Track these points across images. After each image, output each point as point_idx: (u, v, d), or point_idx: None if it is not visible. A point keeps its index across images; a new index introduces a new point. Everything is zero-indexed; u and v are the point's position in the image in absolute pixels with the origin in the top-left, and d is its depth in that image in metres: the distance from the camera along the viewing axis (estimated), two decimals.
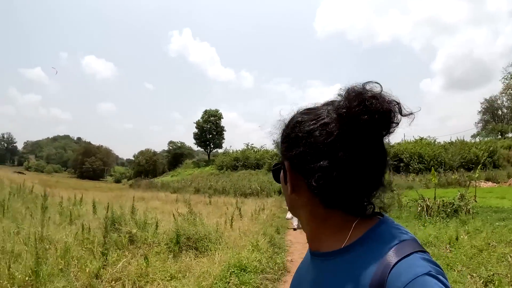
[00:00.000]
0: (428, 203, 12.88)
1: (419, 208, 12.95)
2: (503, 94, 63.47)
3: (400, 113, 0.92)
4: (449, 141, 46.18)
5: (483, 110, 73.60)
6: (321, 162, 0.91)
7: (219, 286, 5.78)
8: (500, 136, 56.57)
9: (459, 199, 12.94)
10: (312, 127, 0.95)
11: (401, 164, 38.63)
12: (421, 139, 46.62)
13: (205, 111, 77.00)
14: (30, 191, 19.78)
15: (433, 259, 0.85)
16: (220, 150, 76.16)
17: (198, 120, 76.44)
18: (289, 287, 1.20)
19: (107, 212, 9.44)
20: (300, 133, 0.97)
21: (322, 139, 0.92)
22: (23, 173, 66.57)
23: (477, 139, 53.63)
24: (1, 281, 5.05)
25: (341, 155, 0.90)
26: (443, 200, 12.97)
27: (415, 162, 38.47)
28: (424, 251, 0.86)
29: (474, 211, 12.34)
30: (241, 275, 6.36)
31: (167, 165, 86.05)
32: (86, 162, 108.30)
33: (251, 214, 14.28)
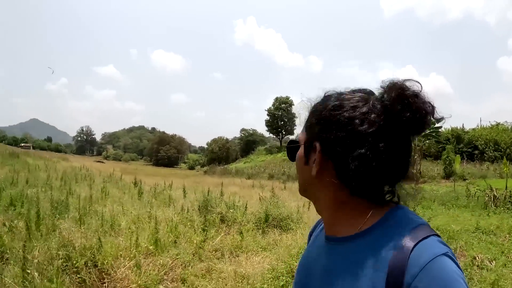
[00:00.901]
0: (495, 193, 13.01)
1: (486, 198, 13.08)
2: None
3: (433, 116, 0.96)
4: None
5: None
6: (361, 150, 0.93)
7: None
8: None
9: None
10: (353, 114, 0.96)
11: (476, 152, 36.58)
12: (498, 124, 42.66)
13: (276, 98, 78.13)
14: (119, 178, 21.69)
15: (446, 243, 0.90)
16: (291, 137, 75.22)
17: (270, 107, 77.60)
18: (296, 272, 1.23)
19: (207, 195, 10.80)
20: (339, 117, 0.97)
21: (363, 128, 0.94)
22: (102, 162, 70.55)
23: None
24: (131, 249, 6.35)
25: (382, 146, 0.93)
26: (510, 191, 13.05)
27: (491, 150, 35.83)
28: (439, 235, 0.91)
29: None
30: None
31: (239, 152, 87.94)
32: (161, 150, 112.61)
33: None
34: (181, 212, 9.56)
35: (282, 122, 77.64)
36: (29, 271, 4.94)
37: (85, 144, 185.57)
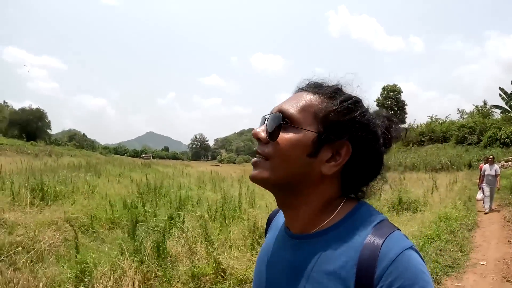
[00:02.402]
0: None
1: None
2: None
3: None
4: None
5: None
6: (377, 157, 1.01)
7: (434, 224, 9.04)
8: None
9: None
10: (376, 123, 1.05)
11: None
12: None
13: (383, 87, 74.29)
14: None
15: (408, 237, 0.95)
16: (403, 126, 71.28)
17: (378, 97, 73.29)
18: (256, 267, 1.17)
19: None
20: (371, 124, 1.01)
21: (380, 135, 1.03)
22: (219, 165, 72.98)
23: None
24: None
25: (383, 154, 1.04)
26: None
27: None
28: (400, 229, 0.95)
29: None
30: (445, 221, 9.49)
31: None
32: None
33: (446, 186, 16.81)
34: None
35: (392, 112, 73.31)
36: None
37: (200, 150, 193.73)
